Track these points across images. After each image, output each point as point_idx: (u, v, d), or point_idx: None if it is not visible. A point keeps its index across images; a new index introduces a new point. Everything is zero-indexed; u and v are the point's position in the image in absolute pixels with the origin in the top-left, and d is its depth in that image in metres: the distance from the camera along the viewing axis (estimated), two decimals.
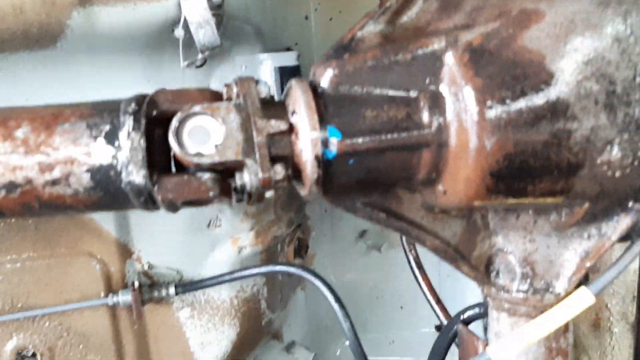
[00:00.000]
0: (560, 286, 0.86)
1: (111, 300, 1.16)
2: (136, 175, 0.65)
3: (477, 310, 1.15)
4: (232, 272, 1.18)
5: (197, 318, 1.28)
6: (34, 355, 1.20)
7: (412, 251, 1.46)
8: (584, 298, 0.80)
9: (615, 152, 0.68)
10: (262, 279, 1.33)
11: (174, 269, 1.23)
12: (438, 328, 1.66)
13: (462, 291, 1.81)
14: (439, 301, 1.44)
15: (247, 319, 1.32)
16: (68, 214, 0.70)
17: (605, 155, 0.68)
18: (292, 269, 1.17)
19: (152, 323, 1.27)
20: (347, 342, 1.86)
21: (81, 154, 0.65)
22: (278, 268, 1.20)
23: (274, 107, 0.70)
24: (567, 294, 0.85)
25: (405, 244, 1.45)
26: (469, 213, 0.86)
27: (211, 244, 1.23)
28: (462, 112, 0.67)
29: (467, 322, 1.15)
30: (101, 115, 0.67)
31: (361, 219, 0.80)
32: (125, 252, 1.20)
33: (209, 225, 1.21)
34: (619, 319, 1.64)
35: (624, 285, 1.61)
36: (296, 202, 1.48)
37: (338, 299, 1.07)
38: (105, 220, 1.16)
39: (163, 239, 1.21)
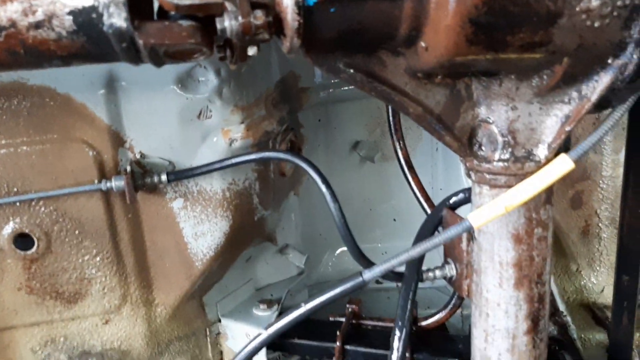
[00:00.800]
0: (541, 153, 0.87)
1: (104, 185, 1.18)
2: (117, 18, 0.66)
3: (462, 195, 1.17)
4: (223, 160, 1.20)
5: (190, 209, 1.30)
6: (31, 240, 1.23)
7: (402, 150, 1.48)
8: (563, 164, 0.82)
9: (594, 0, 0.68)
10: (254, 174, 1.35)
11: (166, 159, 1.25)
12: None
13: None
14: (428, 199, 1.46)
15: (240, 212, 1.34)
16: (54, 64, 0.71)
17: (585, 2, 0.68)
18: (282, 155, 1.18)
19: (146, 213, 1.29)
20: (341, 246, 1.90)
21: None
22: (268, 154, 1.21)
23: None
24: (548, 161, 0.87)
25: (396, 143, 1.47)
26: (453, 81, 0.87)
27: (202, 135, 1.24)
28: None
29: (452, 208, 1.18)
30: None
31: (344, 80, 0.81)
32: (118, 140, 1.21)
33: (199, 115, 1.22)
34: (607, 224, 1.66)
35: (614, 191, 1.62)
36: (288, 105, 1.48)
37: (325, 181, 1.09)
38: (97, 107, 1.17)
39: (154, 129, 1.21)
